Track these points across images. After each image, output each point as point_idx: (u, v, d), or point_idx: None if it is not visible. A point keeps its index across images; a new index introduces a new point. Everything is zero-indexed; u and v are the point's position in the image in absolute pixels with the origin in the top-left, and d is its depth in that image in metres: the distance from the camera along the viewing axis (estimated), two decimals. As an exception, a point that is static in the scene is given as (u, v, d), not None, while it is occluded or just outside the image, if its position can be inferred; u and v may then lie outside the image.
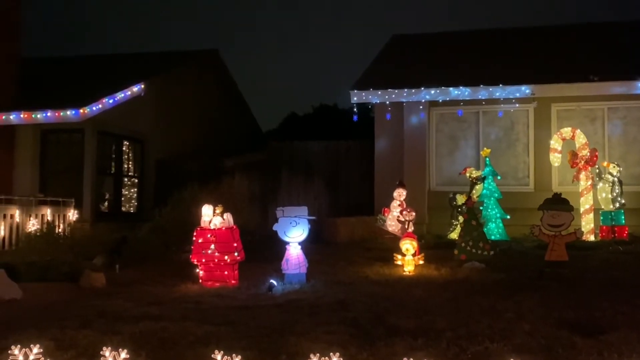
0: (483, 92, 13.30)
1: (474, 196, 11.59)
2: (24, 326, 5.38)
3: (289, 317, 5.72)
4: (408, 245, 8.54)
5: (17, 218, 10.91)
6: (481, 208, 11.70)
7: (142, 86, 14.67)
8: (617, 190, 11.82)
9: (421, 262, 8.63)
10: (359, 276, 8.29)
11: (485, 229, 10.03)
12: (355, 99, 13.95)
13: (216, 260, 7.89)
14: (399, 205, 11.66)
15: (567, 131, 12.24)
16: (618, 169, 11.93)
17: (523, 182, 13.60)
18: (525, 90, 13.15)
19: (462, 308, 5.96)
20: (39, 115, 13.29)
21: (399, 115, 14.01)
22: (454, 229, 11.80)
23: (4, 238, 10.62)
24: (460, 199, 11.24)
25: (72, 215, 12.38)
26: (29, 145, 14.26)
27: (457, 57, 15.73)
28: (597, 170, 12.06)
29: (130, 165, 15.71)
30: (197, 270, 8.06)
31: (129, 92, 14.32)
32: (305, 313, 5.94)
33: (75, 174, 13.86)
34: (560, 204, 8.25)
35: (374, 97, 13.89)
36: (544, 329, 5.04)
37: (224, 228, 8.01)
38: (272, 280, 7.58)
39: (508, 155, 13.77)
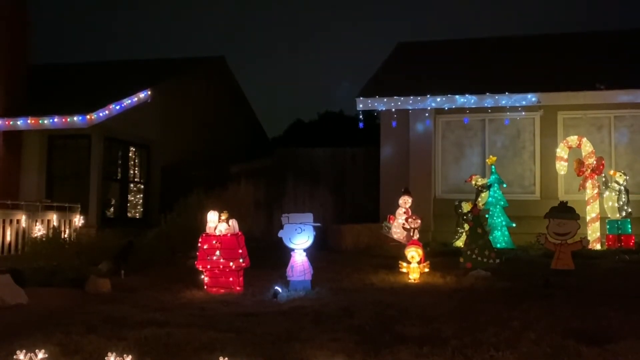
0: (489, 100, 13.30)
1: (480, 204, 11.57)
2: (30, 331, 5.39)
3: (294, 324, 5.71)
4: (413, 253, 8.52)
5: (23, 223, 10.94)
6: (487, 216, 11.64)
7: (149, 92, 14.72)
8: (623, 199, 11.78)
9: (426, 269, 8.61)
10: (364, 283, 8.28)
11: (490, 237, 10.01)
12: (361, 106, 13.97)
13: (221, 266, 7.89)
14: (405, 212, 11.64)
15: (573, 139, 12.22)
16: (625, 177, 11.89)
17: (529, 190, 13.56)
18: (531, 98, 13.14)
19: (468, 316, 5.94)
20: (46, 121, 13.34)
21: (405, 123, 14.02)
22: (460, 236, 11.77)
23: (10, 243, 10.65)
24: (466, 207, 11.23)
25: (78, 220, 12.40)
26: (35, 151, 14.32)
27: (463, 65, 15.74)
28: (604, 179, 12.02)
29: (136, 171, 15.75)
30: (202, 276, 8.06)
31: (136, 99, 14.37)
32: (310, 320, 5.93)
33: (81, 179, 13.91)
34: (567, 213, 8.25)
35: (379, 104, 13.90)
36: (550, 338, 5.01)
37: (229, 234, 8.02)
38: (277, 287, 7.57)
39: (514, 163, 13.74)
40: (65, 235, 11.61)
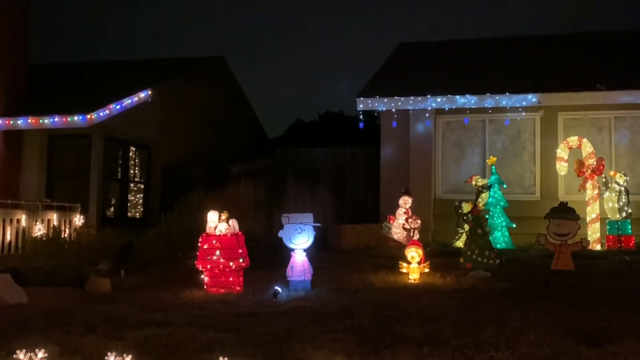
0: (489, 101, 13.30)
1: (480, 204, 11.57)
2: (29, 330, 5.39)
3: (294, 324, 5.71)
4: (413, 253, 8.51)
5: (23, 223, 10.93)
6: (487, 216, 11.65)
7: (149, 92, 14.72)
8: (623, 200, 11.79)
9: (426, 270, 8.61)
10: (364, 284, 8.27)
11: (491, 238, 10.00)
12: (361, 106, 13.97)
13: (221, 266, 7.89)
14: (405, 212, 11.64)
15: (573, 140, 12.22)
16: (625, 178, 11.90)
17: (529, 191, 13.56)
18: (531, 98, 13.14)
19: (468, 317, 5.94)
20: (46, 121, 13.35)
21: (405, 123, 14.02)
22: (460, 237, 11.78)
23: (10, 242, 10.64)
24: (466, 207, 11.24)
25: (78, 220, 12.40)
26: (36, 151, 14.33)
27: (464, 65, 15.74)
28: (604, 180, 12.02)
29: (136, 171, 15.75)
30: (202, 276, 8.06)
31: (136, 98, 14.37)
32: (310, 320, 5.93)
33: (81, 179, 13.90)
34: (567, 213, 8.24)
35: (380, 104, 13.90)
36: (550, 339, 5.01)
37: (229, 234, 8.02)
38: (277, 287, 7.57)
39: (514, 163, 13.74)
40: (65, 235, 11.60)
